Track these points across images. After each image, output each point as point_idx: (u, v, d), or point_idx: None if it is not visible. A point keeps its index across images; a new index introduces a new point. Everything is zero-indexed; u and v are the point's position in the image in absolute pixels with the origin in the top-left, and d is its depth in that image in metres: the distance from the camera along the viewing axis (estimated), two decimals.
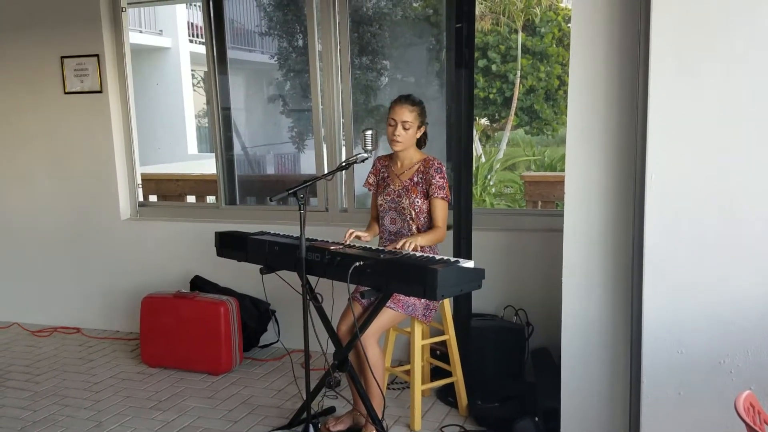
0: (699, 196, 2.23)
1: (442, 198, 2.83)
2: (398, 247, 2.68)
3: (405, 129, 2.80)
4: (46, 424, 3.17)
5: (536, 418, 2.69)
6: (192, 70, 11.60)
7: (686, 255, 2.27)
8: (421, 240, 2.73)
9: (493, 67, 13.27)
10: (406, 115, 2.80)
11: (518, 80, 13.24)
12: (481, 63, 13.15)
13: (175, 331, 3.73)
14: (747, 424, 1.55)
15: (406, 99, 2.84)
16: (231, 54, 4.53)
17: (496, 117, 14.52)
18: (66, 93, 4.40)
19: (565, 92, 2.51)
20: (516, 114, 13.59)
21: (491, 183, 10.92)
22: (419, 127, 2.85)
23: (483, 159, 12.04)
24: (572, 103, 2.48)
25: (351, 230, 2.85)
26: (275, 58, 6.75)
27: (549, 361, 3.24)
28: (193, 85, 11.89)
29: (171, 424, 3.13)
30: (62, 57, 4.35)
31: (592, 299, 2.54)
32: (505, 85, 13.49)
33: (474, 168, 8.10)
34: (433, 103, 4.30)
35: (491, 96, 13.57)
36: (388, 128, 2.83)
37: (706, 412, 2.30)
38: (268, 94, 6.76)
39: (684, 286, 2.28)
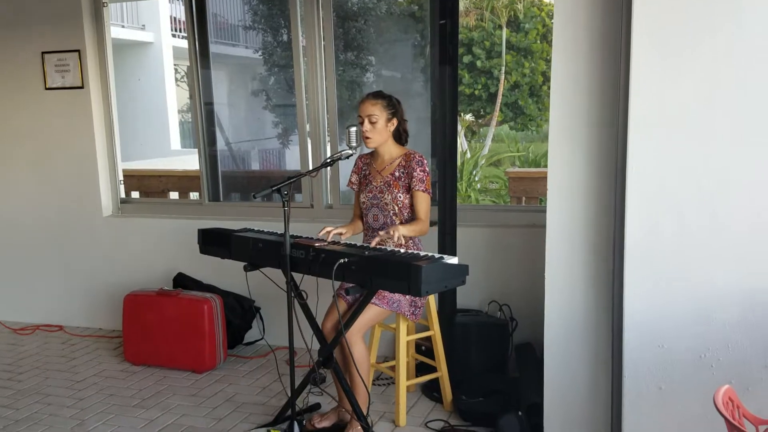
0: (681, 192, 2.25)
1: (424, 191, 2.83)
2: (383, 235, 2.67)
3: (372, 123, 2.81)
4: (29, 422, 3.13)
5: (520, 413, 2.70)
6: (175, 65, 11.51)
7: (668, 250, 2.29)
8: (404, 230, 2.71)
9: (478, 63, 13.31)
10: (369, 108, 2.81)
11: (503, 76, 13.29)
12: (465, 59, 13.18)
13: (159, 328, 3.70)
14: (726, 419, 1.57)
15: (368, 95, 2.88)
16: (214, 48, 4.50)
17: (481, 113, 14.57)
18: (47, 89, 4.34)
19: (549, 88, 2.52)
20: (501, 110, 13.64)
21: (476, 179, 10.94)
22: (389, 120, 2.84)
23: (468, 155, 12.07)
24: (555, 100, 2.49)
25: (327, 228, 2.81)
26: (259, 53, 6.70)
27: (532, 356, 3.26)
28: (176, 79, 11.79)
29: (155, 422, 3.11)
30: (43, 52, 4.30)
31: (574, 294, 2.56)
32: (489, 81, 13.54)
33: (459, 164, 8.13)
34: (418, 99, 4.30)
35: (476, 92, 13.61)
36: (360, 127, 2.84)
37: (688, 405, 2.33)
38: (252, 89, 6.73)
39: (665, 281, 2.30)
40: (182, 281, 4.10)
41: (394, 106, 2.87)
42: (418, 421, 3.04)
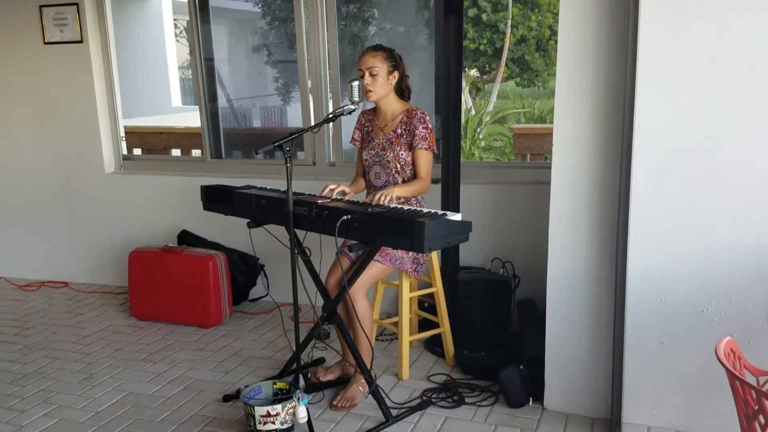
0: (686, 147, 2.23)
1: (426, 149, 2.80)
2: (374, 200, 2.65)
3: (372, 75, 2.77)
4: (37, 376, 3.19)
5: (521, 366, 2.74)
6: (174, 19, 11.30)
7: (671, 205, 2.28)
8: (399, 191, 2.70)
9: (484, 17, 13.01)
10: (370, 61, 2.78)
11: (509, 30, 13.01)
12: (471, 12, 12.89)
13: (164, 284, 3.74)
14: (727, 369, 1.58)
15: (368, 47, 2.83)
16: (213, 2, 4.41)
17: (487, 69, 14.32)
18: (45, 43, 4.28)
19: (557, 42, 2.46)
20: (507, 65, 13.40)
21: (481, 136, 10.84)
22: (390, 72, 2.81)
23: (473, 112, 11.91)
24: (562, 54, 2.44)
25: (331, 186, 2.79)
26: (259, 5, 6.57)
27: (534, 311, 3.28)
28: (176, 35, 11.59)
29: (162, 375, 3.16)
30: (41, 6, 4.22)
31: (577, 250, 2.56)
32: (495, 36, 13.26)
33: (463, 121, 8.02)
34: (422, 53, 4.22)
35: (482, 47, 13.35)
36: (362, 81, 2.79)
37: (689, 359, 2.35)
38: (253, 44, 6.61)
39: (669, 236, 2.30)
40: (186, 238, 4.11)
41: (395, 59, 2.82)
42: (420, 375, 3.08)
